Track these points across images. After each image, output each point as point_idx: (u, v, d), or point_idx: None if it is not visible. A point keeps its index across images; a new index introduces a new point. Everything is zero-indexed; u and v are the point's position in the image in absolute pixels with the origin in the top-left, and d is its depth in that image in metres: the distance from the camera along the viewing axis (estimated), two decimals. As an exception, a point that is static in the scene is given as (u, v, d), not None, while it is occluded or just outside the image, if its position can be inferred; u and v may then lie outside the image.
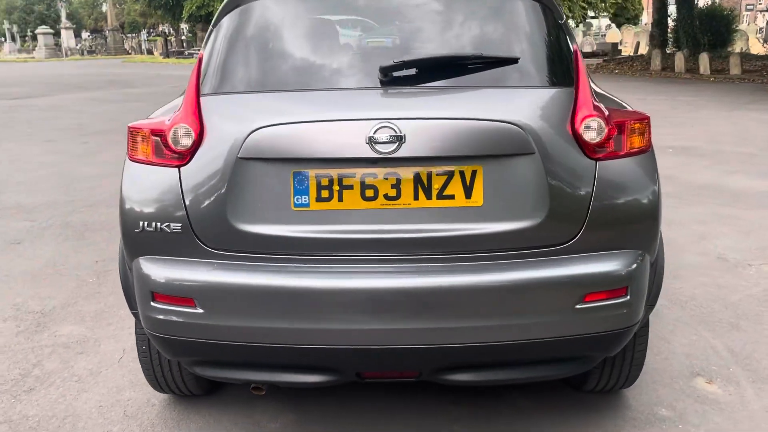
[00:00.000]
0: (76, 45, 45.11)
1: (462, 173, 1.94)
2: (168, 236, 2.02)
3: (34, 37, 44.28)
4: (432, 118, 1.97)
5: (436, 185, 1.96)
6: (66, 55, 39.96)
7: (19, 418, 2.61)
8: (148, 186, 2.07)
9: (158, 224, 2.03)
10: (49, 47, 40.11)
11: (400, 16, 2.29)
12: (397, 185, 1.96)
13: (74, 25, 47.65)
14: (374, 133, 1.92)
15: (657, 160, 2.18)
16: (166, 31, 48.35)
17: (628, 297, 1.99)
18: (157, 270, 2.03)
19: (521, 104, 2.03)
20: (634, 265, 2.01)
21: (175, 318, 2.01)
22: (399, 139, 1.91)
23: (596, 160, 1.99)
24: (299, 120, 2.00)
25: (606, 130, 1.98)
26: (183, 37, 46.29)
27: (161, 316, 2.03)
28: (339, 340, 1.98)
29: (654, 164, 2.12)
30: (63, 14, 45.31)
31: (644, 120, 2.11)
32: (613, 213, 2.01)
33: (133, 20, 53.60)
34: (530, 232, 1.95)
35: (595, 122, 1.98)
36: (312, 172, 1.97)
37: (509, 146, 1.94)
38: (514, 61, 2.09)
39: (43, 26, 43.54)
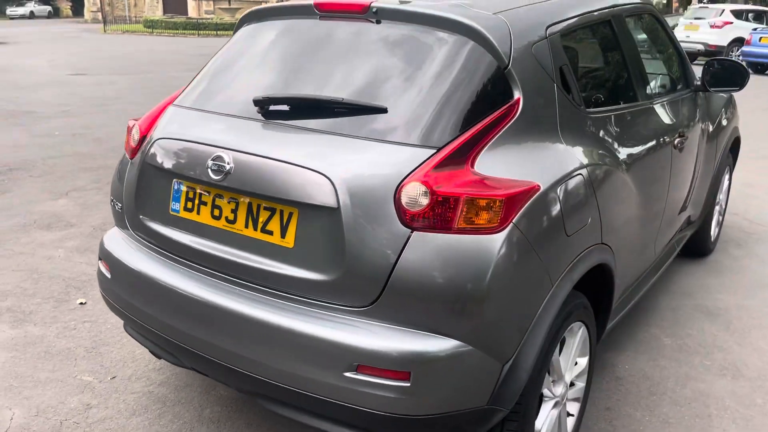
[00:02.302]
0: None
1: (282, 212, 1.95)
2: (117, 213, 2.46)
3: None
4: (259, 155, 1.99)
5: (262, 218, 1.99)
6: None
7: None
8: (119, 170, 2.48)
9: (115, 202, 2.46)
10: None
11: (329, 54, 2.20)
12: (235, 210, 2.04)
13: None
14: (212, 159, 2.04)
15: None
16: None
17: (410, 384, 1.75)
18: (108, 235, 2.48)
19: (351, 157, 1.88)
20: (436, 353, 1.76)
21: (100, 275, 2.43)
22: (225, 170, 2.01)
23: (412, 228, 1.76)
24: (175, 136, 2.23)
25: (428, 201, 1.75)
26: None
27: (97, 270, 2.48)
28: (171, 333, 2.17)
29: (507, 248, 1.77)
30: None
31: (503, 198, 1.78)
32: (419, 289, 1.76)
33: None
34: (327, 286, 1.87)
35: (416, 189, 1.76)
36: (184, 184, 2.16)
37: (317, 196, 1.86)
38: (382, 110, 1.95)
39: None
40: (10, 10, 47.80)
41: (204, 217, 2.09)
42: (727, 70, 3.42)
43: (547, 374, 2.10)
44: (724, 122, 3.92)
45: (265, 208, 1.96)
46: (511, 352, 1.89)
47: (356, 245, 1.81)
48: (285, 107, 2.10)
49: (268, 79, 2.25)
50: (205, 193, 2.10)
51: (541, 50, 2.17)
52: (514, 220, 1.80)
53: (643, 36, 3.36)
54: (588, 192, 2.12)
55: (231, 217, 2.03)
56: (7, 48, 21.17)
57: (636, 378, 2.96)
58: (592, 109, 2.36)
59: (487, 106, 1.98)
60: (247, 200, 2.00)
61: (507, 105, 2.00)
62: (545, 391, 2.17)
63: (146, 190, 2.28)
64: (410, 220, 1.77)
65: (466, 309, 1.78)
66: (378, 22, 2.17)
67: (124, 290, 2.29)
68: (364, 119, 1.96)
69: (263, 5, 2.53)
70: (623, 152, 2.48)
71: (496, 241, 1.77)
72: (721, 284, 3.93)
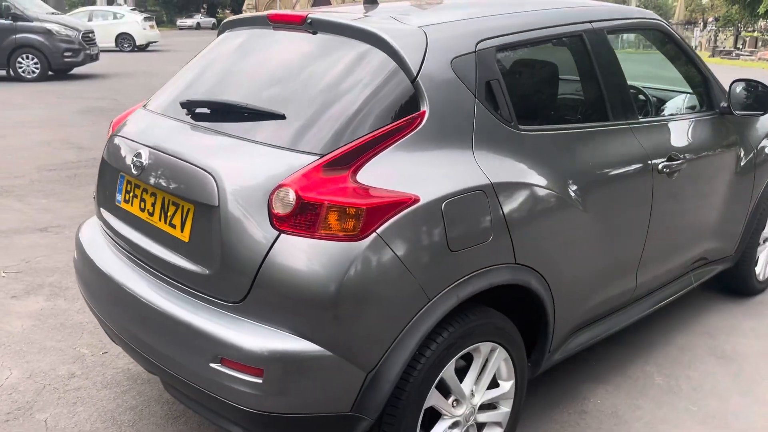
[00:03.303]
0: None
1: (183, 207, 2.07)
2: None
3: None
4: (167, 153, 2.15)
5: (170, 212, 2.12)
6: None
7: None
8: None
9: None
10: None
11: (268, 62, 2.36)
12: (154, 203, 2.19)
13: None
14: (134, 156, 2.25)
15: None
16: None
17: (262, 382, 1.81)
18: (85, 223, 2.73)
19: (242, 160, 1.99)
20: (290, 353, 1.81)
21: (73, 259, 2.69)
22: (142, 166, 2.20)
23: (280, 231, 1.83)
24: (122, 134, 2.45)
25: (294, 205, 1.81)
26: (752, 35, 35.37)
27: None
28: (106, 317, 2.37)
29: (365, 256, 1.79)
30: (633, 3, 41.64)
31: (364, 207, 1.80)
32: (282, 290, 1.83)
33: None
34: (208, 279, 1.97)
35: (285, 193, 1.83)
36: (125, 178, 2.36)
37: (203, 194, 1.97)
38: (281, 116, 2.04)
39: None
40: (180, 22, 52.39)
41: (135, 208, 2.29)
42: (751, 92, 3.14)
43: (435, 390, 2.07)
44: (771, 150, 3.57)
45: (172, 203, 2.12)
46: (374, 361, 1.90)
47: (231, 243, 1.91)
48: (206, 110, 2.25)
49: (211, 83, 2.42)
50: (137, 187, 2.29)
51: (464, 64, 2.15)
52: (378, 230, 1.82)
53: (652, 52, 3.17)
54: (492, 210, 2.07)
55: (151, 210, 2.20)
56: (168, 55, 23.26)
57: (603, 415, 2.80)
58: (528, 127, 2.29)
59: (387, 116, 2.01)
60: (162, 194, 2.16)
61: (409, 116, 2.02)
62: (442, 409, 2.14)
63: (103, 182, 2.52)
64: (278, 222, 1.84)
65: (322, 314, 1.83)
66: (314, 33, 2.27)
67: (80, 274, 2.54)
68: (264, 124, 2.07)
69: (239, 15, 2.71)
70: (568, 173, 2.37)
71: (354, 249, 1.80)
72: (752, 328, 3.57)
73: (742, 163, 3.35)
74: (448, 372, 2.09)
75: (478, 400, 2.24)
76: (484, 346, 2.19)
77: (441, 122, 2.06)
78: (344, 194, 1.82)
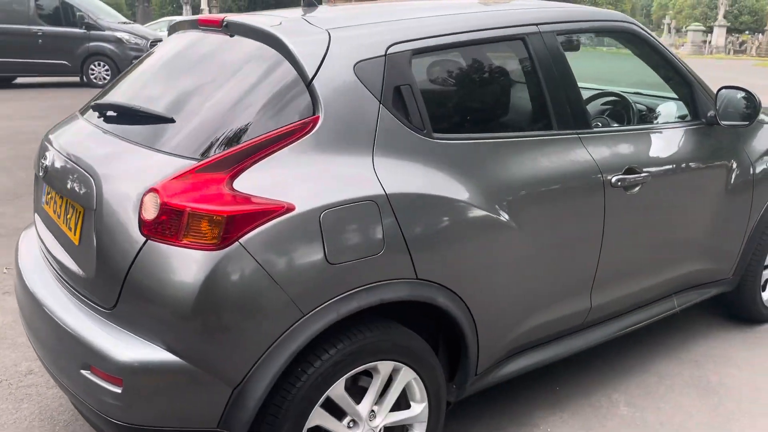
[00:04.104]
0: (725, 43, 41.39)
1: (76, 210, 2.06)
2: None
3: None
4: (66, 156, 2.18)
5: (69, 214, 2.12)
6: (710, 53, 38.42)
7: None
8: None
9: None
10: (695, 44, 39.58)
11: (188, 65, 2.35)
12: (60, 206, 2.20)
13: (728, 24, 43.82)
14: (42, 158, 2.32)
15: None
16: None
17: (122, 392, 1.77)
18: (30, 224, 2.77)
19: (125, 163, 1.98)
20: (150, 365, 1.77)
21: None
22: (45, 167, 2.28)
23: (147, 237, 1.78)
24: (46, 136, 2.47)
25: (158, 211, 1.76)
26: None
27: None
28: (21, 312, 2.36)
29: (224, 267, 1.74)
30: (721, 12, 42.16)
31: (225, 214, 1.73)
32: (145, 298, 1.79)
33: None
34: (88, 284, 1.96)
35: (152, 198, 1.79)
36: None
37: (85, 197, 1.99)
38: (170, 120, 2.01)
39: (696, 23, 42.71)
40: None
41: (50, 210, 2.31)
42: (734, 101, 2.87)
43: (321, 409, 1.98)
44: (777, 165, 3.26)
45: (70, 205, 2.12)
46: (240, 377, 1.82)
47: (104, 247, 1.89)
48: (112, 113, 2.25)
49: (137, 86, 2.42)
50: (52, 189, 2.31)
51: (370, 68, 2.06)
52: (241, 240, 1.75)
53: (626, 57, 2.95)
54: (385, 222, 1.96)
55: (59, 211, 2.22)
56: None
57: (547, 444, 2.61)
58: (445, 135, 2.16)
59: (278, 121, 1.95)
60: (63, 197, 2.17)
61: (300, 121, 1.94)
62: (337, 430, 2.04)
63: (36, 184, 2.56)
64: (145, 228, 1.80)
65: (182, 325, 1.77)
66: (232, 35, 2.24)
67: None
68: (156, 128, 2.05)
69: (184, 18, 2.72)
70: (495, 185, 2.22)
71: (212, 258, 1.74)
72: (748, 359, 3.26)
73: (735, 179, 3.06)
74: (337, 391, 1.99)
75: (379, 422, 2.13)
76: (384, 365, 2.08)
77: (337, 128, 1.98)
78: (208, 201, 1.77)
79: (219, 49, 2.26)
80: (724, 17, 42.68)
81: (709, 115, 2.97)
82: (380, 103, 2.05)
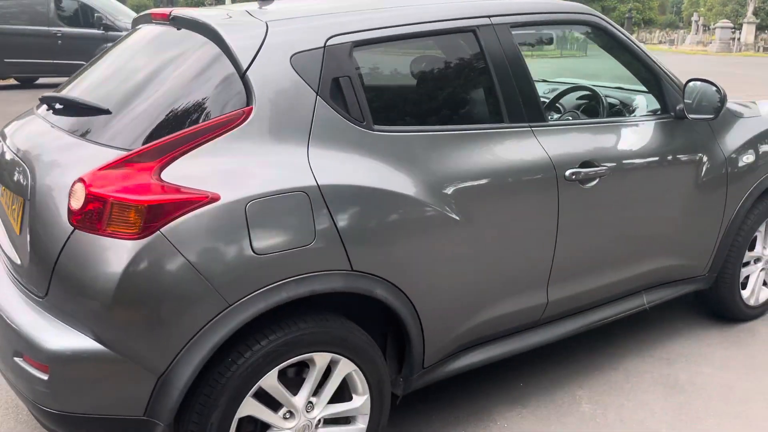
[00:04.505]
0: (755, 41, 40.25)
1: (18, 200, 2.09)
2: None
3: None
4: (10, 148, 2.23)
5: (14, 205, 2.15)
6: (738, 50, 37.49)
7: None
8: None
9: None
10: (723, 41, 38.43)
11: (137, 58, 2.40)
12: (9, 197, 2.21)
13: (758, 20, 42.72)
14: None
15: None
16: None
17: (48, 378, 1.81)
18: None
19: (62, 154, 2.03)
20: (75, 353, 1.80)
21: None
22: None
23: (74, 227, 1.81)
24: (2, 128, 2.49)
25: (83, 200, 1.79)
26: None
27: None
28: None
29: (144, 256, 1.76)
30: (750, 8, 41.47)
31: (145, 204, 1.75)
32: (72, 287, 1.84)
33: None
34: (24, 271, 2.01)
35: (78, 188, 1.81)
36: None
37: (20, 188, 2.04)
38: (106, 111, 2.05)
39: (724, 20, 41.31)
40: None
41: (3, 201, 2.35)
42: (708, 94, 2.82)
43: (253, 400, 1.99)
44: (752, 160, 3.19)
45: (14, 197, 2.16)
46: (164, 366, 1.85)
47: (36, 237, 1.94)
48: (59, 106, 2.29)
49: (91, 80, 2.45)
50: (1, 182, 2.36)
51: (307, 60, 2.07)
52: (163, 230, 1.77)
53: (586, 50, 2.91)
54: (316, 213, 1.96)
55: (8, 202, 2.26)
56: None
57: (501, 440, 2.60)
58: (387, 128, 2.16)
59: (210, 112, 1.97)
60: (9, 188, 2.22)
61: (233, 113, 1.96)
62: (268, 421, 2.05)
63: None
64: (73, 217, 1.84)
65: (106, 314, 1.80)
66: (179, 28, 2.27)
67: None
68: (94, 120, 2.09)
69: (145, 11, 2.74)
70: (439, 179, 2.21)
71: (132, 248, 1.77)
72: (724, 358, 3.19)
73: (706, 173, 3.00)
74: (269, 381, 2.00)
75: (317, 414, 2.13)
76: (320, 357, 2.08)
77: (272, 119, 1.99)
78: (131, 191, 1.79)
79: (165, 42, 2.30)
80: (754, 14, 41.80)
81: (678, 108, 2.92)
82: (317, 94, 2.06)
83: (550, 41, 4.09)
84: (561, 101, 3.45)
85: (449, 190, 2.23)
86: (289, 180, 1.95)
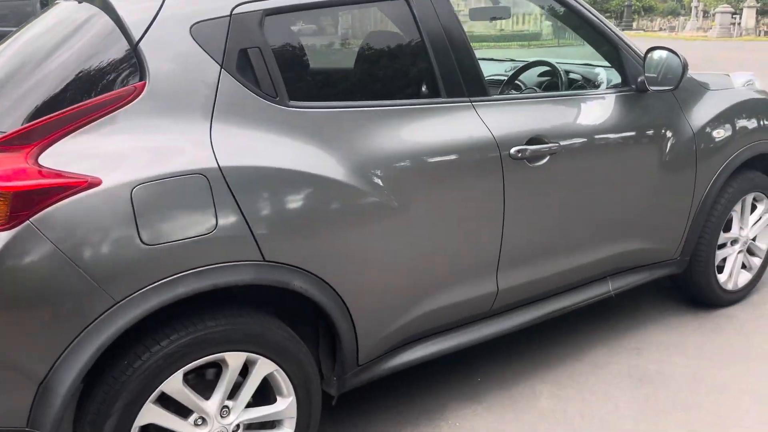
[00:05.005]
0: (756, 25, 39.90)
1: None
2: None
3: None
4: None
5: None
6: (739, 35, 37.25)
7: None
8: None
9: None
10: (723, 26, 38.02)
11: (44, 34, 2.14)
12: None
13: (759, 4, 41.88)
14: None
15: None
16: None
17: None
18: None
19: None
20: None
21: None
22: None
23: None
24: None
25: None
26: None
27: None
28: None
29: (11, 249, 1.57)
30: None
31: (11, 191, 1.56)
32: None
33: None
34: None
35: None
36: None
37: None
38: None
39: (724, 5, 40.65)
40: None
41: None
42: (664, 64, 2.62)
43: (156, 406, 1.81)
44: (724, 135, 2.99)
45: None
46: (43, 372, 1.66)
47: None
48: None
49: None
50: None
51: (210, 30, 1.89)
52: (32, 219, 1.59)
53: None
54: (218, 198, 1.78)
55: None
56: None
57: (450, 439, 2.41)
58: (304, 104, 1.98)
59: (97, 89, 1.80)
60: None
61: (123, 89, 1.78)
62: (179, 428, 1.88)
63: None
64: None
65: None
66: (80, 2, 2.10)
67: None
68: None
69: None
70: (365, 158, 2.02)
71: (1, 240, 1.58)
72: (698, 347, 3.00)
73: (673, 150, 2.80)
74: (173, 385, 1.82)
75: (234, 419, 1.95)
76: (234, 357, 1.90)
77: (168, 95, 1.81)
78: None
79: (66, 17, 2.11)
80: (755, -3, 41.43)
81: (639, 80, 2.72)
82: (221, 67, 1.87)
83: (506, 14, 3.88)
84: (521, 79, 3.26)
85: (379, 173, 2.04)
86: (185, 162, 1.77)
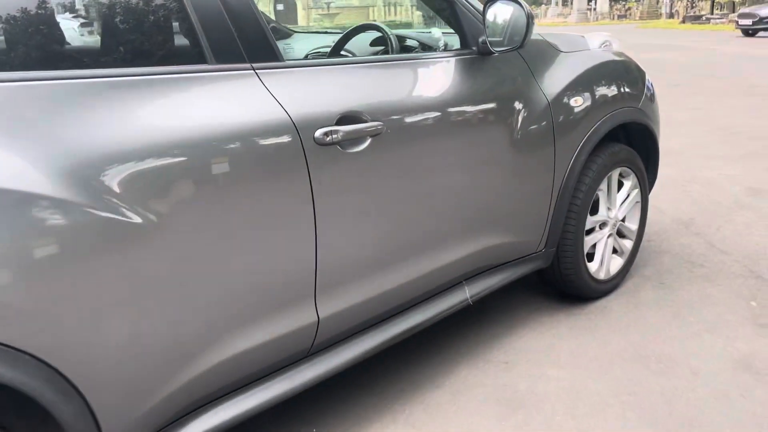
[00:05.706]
0: (610, 10, 43.70)
1: None
2: None
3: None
4: None
5: None
6: (595, 19, 40.29)
7: None
8: None
9: None
10: (581, 11, 40.50)
11: None
12: None
13: None
14: None
15: None
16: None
17: None
18: None
19: None
20: None
21: None
22: None
23: None
24: None
25: None
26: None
27: None
28: None
29: None
30: None
31: None
32: None
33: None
34: None
35: None
36: None
37: None
38: None
39: None
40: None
41: None
42: (501, 18, 2.15)
43: None
44: (582, 104, 2.57)
45: None
46: None
47: None
48: None
49: None
50: None
51: None
52: None
53: None
54: None
55: None
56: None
57: None
58: None
59: None
60: None
61: None
62: None
63: None
64: None
65: None
66: None
67: None
68: None
69: None
70: (70, 156, 1.35)
71: None
72: (574, 350, 2.57)
73: (526, 123, 2.34)
74: None
75: None
76: None
77: None
78: None
79: None
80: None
81: (480, 41, 2.23)
82: None
83: None
84: (349, 49, 2.70)
85: (107, 176, 1.39)
86: None
